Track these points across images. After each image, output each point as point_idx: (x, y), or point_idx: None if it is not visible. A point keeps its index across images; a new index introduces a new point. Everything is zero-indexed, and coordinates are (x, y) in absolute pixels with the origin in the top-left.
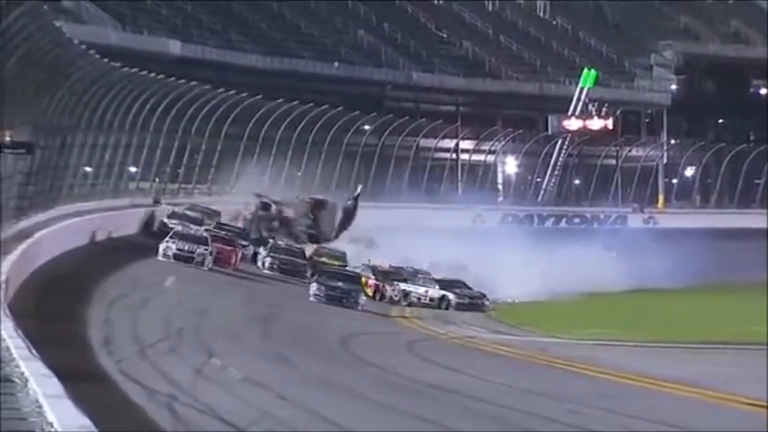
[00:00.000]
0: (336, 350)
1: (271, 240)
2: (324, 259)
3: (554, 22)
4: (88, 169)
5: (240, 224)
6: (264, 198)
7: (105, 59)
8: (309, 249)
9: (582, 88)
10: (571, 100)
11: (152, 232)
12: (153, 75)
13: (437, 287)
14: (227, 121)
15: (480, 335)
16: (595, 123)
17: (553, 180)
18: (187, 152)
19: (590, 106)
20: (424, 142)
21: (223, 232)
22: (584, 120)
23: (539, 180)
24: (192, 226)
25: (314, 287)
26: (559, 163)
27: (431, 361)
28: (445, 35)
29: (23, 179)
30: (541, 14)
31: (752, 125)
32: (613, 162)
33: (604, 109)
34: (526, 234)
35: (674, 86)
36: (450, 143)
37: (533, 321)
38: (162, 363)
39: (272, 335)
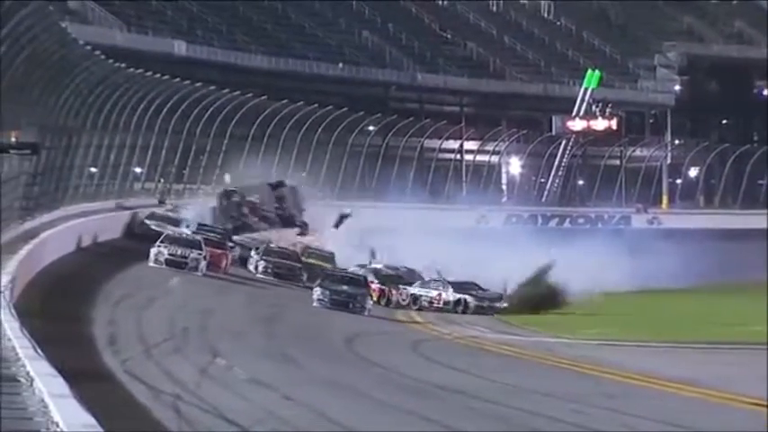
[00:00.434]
0: (341, 350)
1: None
2: (311, 260)
3: (558, 23)
4: (93, 170)
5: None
6: (228, 188)
7: (110, 60)
8: (297, 250)
9: (586, 89)
10: (575, 101)
11: (136, 235)
12: (158, 75)
13: (451, 290)
14: (231, 121)
15: (484, 335)
16: (599, 124)
17: (557, 180)
18: (192, 153)
19: (593, 107)
20: (428, 143)
21: (212, 234)
22: (589, 120)
23: (543, 180)
24: (173, 228)
25: (317, 292)
26: (563, 163)
27: (435, 361)
28: (449, 36)
29: (29, 180)
30: (546, 15)
31: (755, 126)
32: (617, 162)
33: (609, 109)
34: (529, 234)
35: (677, 87)
36: (454, 144)
37: (538, 321)
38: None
39: (276, 335)
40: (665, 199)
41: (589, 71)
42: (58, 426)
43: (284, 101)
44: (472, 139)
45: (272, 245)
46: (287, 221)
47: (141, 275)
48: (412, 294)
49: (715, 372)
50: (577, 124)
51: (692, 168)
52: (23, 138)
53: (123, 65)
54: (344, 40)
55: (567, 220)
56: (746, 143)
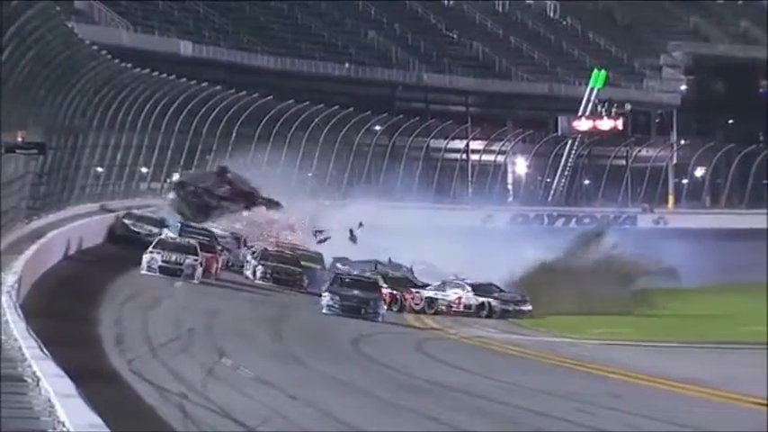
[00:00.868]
0: (347, 350)
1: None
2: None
3: (564, 23)
4: (100, 170)
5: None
6: (180, 179)
7: (117, 60)
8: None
9: (592, 89)
10: (581, 100)
11: (119, 238)
12: (164, 75)
13: (471, 292)
14: (238, 121)
15: (491, 335)
16: (605, 124)
17: (563, 180)
18: (198, 153)
19: (599, 107)
20: (434, 143)
21: (200, 237)
22: (594, 120)
23: (549, 180)
24: (152, 229)
25: (326, 297)
26: (569, 163)
27: (440, 360)
28: (455, 36)
29: (35, 179)
30: (551, 15)
31: (761, 125)
32: (623, 162)
33: (616, 109)
34: (535, 234)
35: (683, 87)
36: (460, 144)
37: (545, 321)
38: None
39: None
40: (670, 199)
41: (595, 71)
42: (64, 425)
43: (290, 101)
44: (478, 139)
45: (269, 248)
46: (249, 198)
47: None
48: (427, 298)
49: (721, 371)
50: (583, 124)
51: (698, 168)
52: (30, 138)
53: (129, 65)
54: (351, 40)
55: (573, 220)
56: (752, 143)
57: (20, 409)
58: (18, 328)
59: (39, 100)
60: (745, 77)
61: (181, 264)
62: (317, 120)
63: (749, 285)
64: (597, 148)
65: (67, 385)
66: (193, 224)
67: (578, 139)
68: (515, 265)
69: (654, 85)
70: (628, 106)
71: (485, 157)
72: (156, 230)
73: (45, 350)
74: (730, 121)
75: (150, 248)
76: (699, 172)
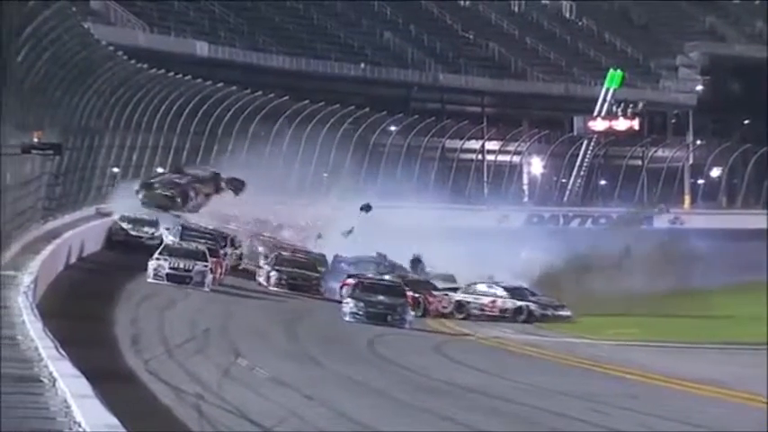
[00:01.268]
0: (363, 351)
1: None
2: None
3: (580, 23)
4: (116, 170)
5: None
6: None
7: (133, 61)
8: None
9: (608, 89)
10: (597, 101)
11: (117, 243)
12: (180, 76)
13: (507, 295)
14: (253, 122)
15: (508, 335)
16: (621, 124)
17: (579, 181)
18: (214, 153)
19: (615, 107)
20: (449, 143)
21: (204, 240)
22: (610, 120)
23: (564, 181)
24: (150, 231)
25: (350, 304)
26: (585, 164)
27: (458, 362)
28: (471, 36)
29: (51, 180)
30: (567, 15)
31: None
32: (639, 163)
33: (633, 108)
34: (549, 234)
35: (699, 87)
36: (476, 144)
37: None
38: None
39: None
40: (687, 199)
41: (611, 71)
42: (80, 426)
43: (306, 101)
44: (494, 140)
45: (284, 253)
46: (215, 181)
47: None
48: (457, 302)
49: (735, 372)
50: (599, 124)
51: (715, 168)
52: (46, 138)
53: (145, 65)
54: (366, 40)
55: (589, 220)
56: None
57: (36, 410)
58: (34, 329)
59: (55, 101)
60: (762, 77)
61: (189, 270)
62: (332, 120)
63: (763, 285)
64: (613, 149)
65: (84, 386)
66: (194, 226)
67: (594, 140)
68: (533, 266)
69: (670, 86)
70: (641, 104)
71: (500, 158)
72: (155, 232)
73: (61, 350)
74: (746, 122)
75: (156, 255)
76: (715, 172)
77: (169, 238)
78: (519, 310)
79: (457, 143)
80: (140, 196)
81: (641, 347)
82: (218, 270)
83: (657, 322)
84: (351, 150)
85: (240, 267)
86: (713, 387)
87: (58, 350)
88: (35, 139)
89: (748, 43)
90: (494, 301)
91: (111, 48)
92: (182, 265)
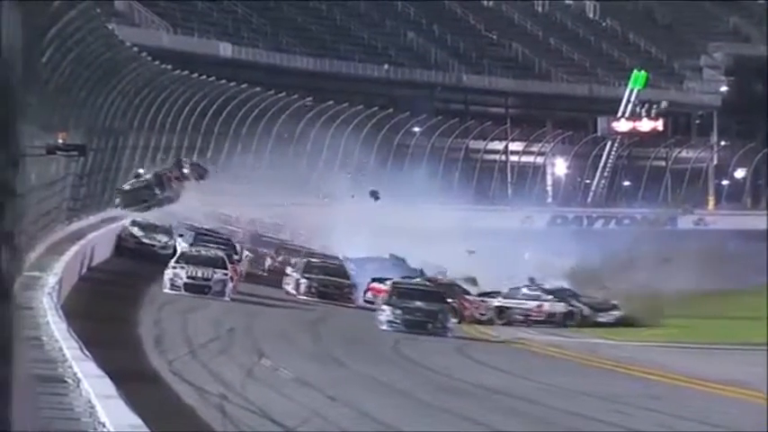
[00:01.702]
0: (386, 351)
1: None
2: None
3: (604, 24)
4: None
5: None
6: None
7: (157, 62)
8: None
9: (632, 90)
10: (621, 102)
11: (127, 250)
12: (204, 77)
13: (553, 299)
14: (277, 122)
15: (529, 336)
16: (645, 125)
17: (603, 182)
18: (237, 153)
19: (639, 108)
20: (473, 144)
21: (222, 247)
22: (634, 121)
23: (588, 182)
24: (161, 238)
25: (386, 312)
26: (609, 165)
27: (482, 363)
28: (495, 37)
29: (75, 181)
30: (591, 16)
31: None
32: (663, 164)
33: (657, 109)
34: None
35: (723, 88)
36: (499, 145)
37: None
38: None
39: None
40: (711, 200)
41: (635, 72)
42: (104, 426)
43: (329, 102)
44: (517, 140)
45: (313, 260)
46: (179, 167)
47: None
48: (497, 307)
49: (757, 373)
50: (623, 125)
51: (739, 169)
52: (71, 139)
53: (169, 66)
54: (390, 41)
55: (613, 221)
56: None
57: (61, 410)
58: (59, 329)
59: (79, 101)
60: None
61: (208, 279)
62: (355, 121)
63: None
64: (637, 150)
65: (108, 386)
66: (208, 231)
67: (618, 141)
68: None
69: (694, 86)
70: (664, 103)
71: (524, 159)
72: (168, 240)
73: (85, 351)
74: None
75: (172, 263)
76: (739, 173)
77: (182, 245)
78: (569, 314)
79: (480, 144)
80: (119, 201)
81: (665, 348)
82: (235, 277)
83: (689, 323)
84: (374, 151)
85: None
86: (734, 387)
87: (82, 351)
88: (60, 140)
89: None
90: (540, 306)
91: (136, 49)
92: (200, 274)
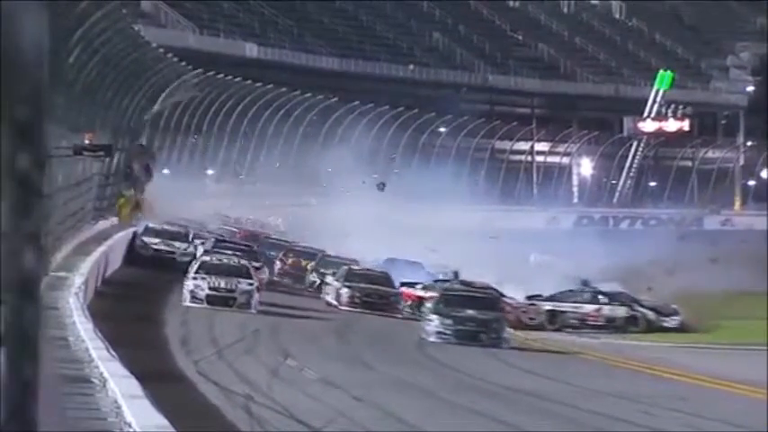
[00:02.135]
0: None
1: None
2: (331, 270)
3: (630, 24)
4: (166, 171)
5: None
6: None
7: (183, 62)
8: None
9: (658, 90)
10: (646, 102)
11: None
12: (230, 77)
13: (611, 303)
14: (303, 123)
15: (554, 336)
16: (671, 125)
17: (629, 182)
18: (263, 153)
19: (665, 108)
20: (499, 144)
21: (241, 252)
22: (660, 121)
23: (614, 182)
24: (176, 244)
25: (434, 322)
26: (635, 165)
27: (506, 362)
28: (521, 37)
29: (102, 181)
30: (617, 16)
31: None
32: (689, 164)
33: (683, 109)
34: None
35: (750, 88)
36: (525, 145)
37: None
38: None
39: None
40: (738, 200)
41: (661, 72)
42: (130, 426)
43: (355, 102)
44: (543, 141)
45: (355, 267)
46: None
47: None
48: (548, 311)
49: None
50: (649, 125)
51: (766, 169)
52: (97, 140)
53: (196, 67)
54: (415, 41)
55: (639, 221)
56: None
57: (87, 410)
58: (85, 329)
59: (106, 102)
60: None
61: (233, 290)
62: (381, 121)
63: None
64: (663, 150)
65: (134, 386)
66: (224, 238)
67: (644, 141)
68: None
69: (720, 87)
70: (689, 109)
71: (550, 159)
72: (187, 246)
73: (111, 351)
74: None
75: (193, 273)
76: (766, 173)
77: (199, 250)
78: (632, 319)
79: (506, 144)
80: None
81: (688, 349)
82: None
83: (745, 325)
84: (399, 151)
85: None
86: (758, 388)
87: (108, 351)
88: (86, 141)
89: None
90: (598, 309)
91: (162, 50)
92: (223, 285)
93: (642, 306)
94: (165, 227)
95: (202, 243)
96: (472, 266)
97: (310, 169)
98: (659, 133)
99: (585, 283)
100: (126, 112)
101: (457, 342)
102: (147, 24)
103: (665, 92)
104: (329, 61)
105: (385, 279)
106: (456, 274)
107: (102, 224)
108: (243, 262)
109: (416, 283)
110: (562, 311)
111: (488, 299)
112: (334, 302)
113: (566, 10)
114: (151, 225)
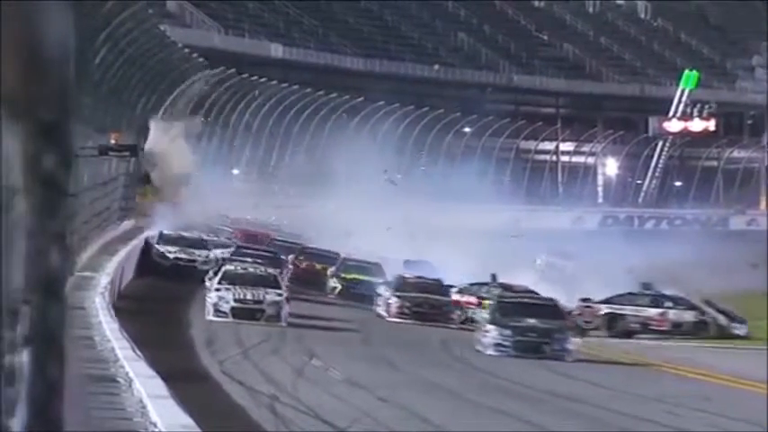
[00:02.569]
0: (437, 351)
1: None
2: (353, 275)
3: (655, 24)
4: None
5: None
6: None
7: (208, 62)
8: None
9: (683, 90)
10: (672, 102)
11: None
12: (255, 78)
13: (675, 306)
14: (327, 122)
15: (577, 337)
16: (696, 125)
17: (654, 182)
18: (289, 153)
19: (690, 108)
20: (524, 144)
21: (264, 260)
22: (686, 121)
23: (639, 182)
24: (194, 252)
25: (492, 333)
26: (660, 165)
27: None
28: (546, 37)
29: (127, 181)
30: (642, 16)
31: None
32: (715, 164)
33: (709, 109)
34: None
35: None
36: (550, 145)
37: None
38: None
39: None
40: (763, 200)
41: (686, 72)
42: (156, 426)
43: (380, 102)
44: (568, 141)
45: (406, 276)
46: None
47: None
48: (607, 314)
49: None
50: (674, 125)
51: None
52: (123, 140)
53: (221, 67)
54: (440, 41)
55: (664, 221)
56: None
57: (113, 410)
58: (110, 329)
59: (132, 102)
60: None
61: (260, 302)
62: (406, 121)
63: None
64: (688, 150)
65: (159, 386)
66: (246, 245)
67: (669, 141)
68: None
69: (746, 86)
70: (714, 106)
71: (575, 159)
72: (207, 254)
73: (137, 351)
74: None
75: (216, 284)
76: None
77: (219, 256)
78: (702, 324)
79: (531, 144)
80: None
81: (710, 350)
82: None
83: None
84: (425, 152)
85: None
86: None
87: (134, 351)
88: (112, 141)
89: None
90: (663, 314)
91: (187, 50)
92: (250, 296)
93: (716, 309)
94: (182, 233)
95: (225, 248)
96: (505, 268)
97: (334, 169)
98: (685, 133)
99: (647, 286)
100: (152, 111)
101: (516, 354)
102: (173, 24)
103: (690, 91)
104: (354, 61)
105: (436, 287)
106: (494, 276)
107: (127, 224)
108: (270, 270)
109: (451, 287)
110: (622, 315)
111: (550, 306)
112: (384, 314)
113: (591, 10)
114: (166, 232)
